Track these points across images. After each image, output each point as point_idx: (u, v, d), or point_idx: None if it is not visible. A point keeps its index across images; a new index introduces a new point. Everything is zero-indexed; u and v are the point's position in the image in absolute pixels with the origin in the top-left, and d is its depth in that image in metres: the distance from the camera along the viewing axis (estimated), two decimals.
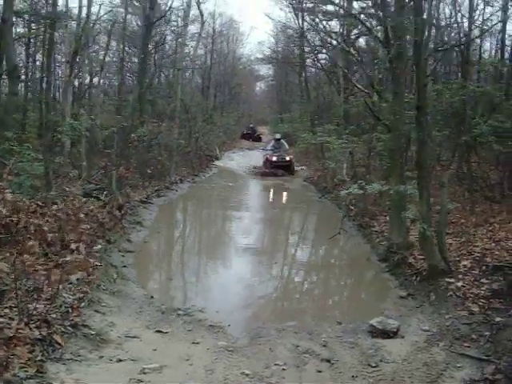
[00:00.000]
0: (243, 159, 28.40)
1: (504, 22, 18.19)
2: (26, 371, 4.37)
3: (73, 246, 5.11)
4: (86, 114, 17.42)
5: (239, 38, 44.12)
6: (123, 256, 8.62)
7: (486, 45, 22.80)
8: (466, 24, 16.79)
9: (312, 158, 24.55)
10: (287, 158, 23.48)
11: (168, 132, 18.40)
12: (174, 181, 17.36)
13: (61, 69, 24.24)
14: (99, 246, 7.16)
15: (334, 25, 24.68)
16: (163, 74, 24.36)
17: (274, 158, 23.33)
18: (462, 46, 15.18)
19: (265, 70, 48.83)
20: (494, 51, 22.84)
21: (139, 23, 24.43)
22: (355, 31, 25.47)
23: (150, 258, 9.60)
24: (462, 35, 16.54)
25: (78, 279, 4.74)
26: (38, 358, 4.63)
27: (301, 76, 32.30)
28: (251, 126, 42.45)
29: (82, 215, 6.24)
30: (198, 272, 8.80)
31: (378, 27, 19.93)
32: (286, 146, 24.64)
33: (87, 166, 12.47)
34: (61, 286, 5.34)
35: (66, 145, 12.91)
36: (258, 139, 39.97)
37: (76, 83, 18.39)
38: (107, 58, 21.81)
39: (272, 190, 19.90)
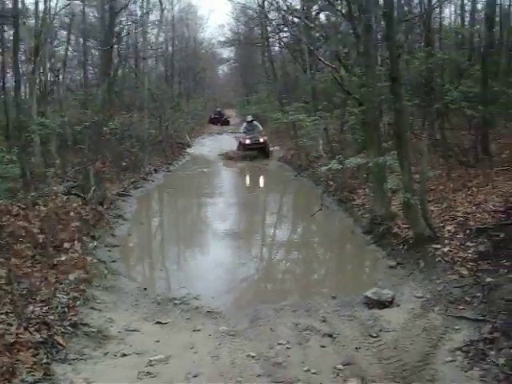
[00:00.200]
0: (214, 144, 28.15)
1: None
2: (34, 375, 4.36)
3: (66, 245, 5.06)
4: (53, 110, 17.20)
5: (199, 22, 43.72)
6: (110, 251, 8.54)
7: (445, 12, 23.11)
8: None
9: (284, 138, 24.40)
10: (261, 140, 22.60)
11: (139, 123, 18.23)
12: (149, 171, 17.23)
13: (21, 67, 23.85)
14: (95, 243, 7.09)
15: (295, 3, 24.71)
16: (127, 64, 24.01)
17: (248, 141, 22.48)
18: (425, 15, 15.28)
19: (227, 52, 48.64)
20: (453, 18, 23.17)
21: (96, 15, 24.23)
22: (315, 7, 25.50)
23: (136, 251, 9.57)
24: (423, 4, 16.65)
25: (75, 278, 4.69)
26: (44, 360, 4.62)
27: (264, 56, 32.23)
28: (218, 109, 42.14)
29: (71, 214, 6.16)
30: (186, 260, 8.83)
31: (339, 1, 20.07)
32: (260, 128, 23.61)
33: (61, 164, 12.29)
34: (59, 287, 5.30)
35: (37, 144, 12.67)
36: (226, 123, 39.77)
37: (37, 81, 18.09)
38: (68, 53, 21.55)
39: (247, 173, 19.79)
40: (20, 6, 16.69)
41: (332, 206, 11.89)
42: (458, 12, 22.30)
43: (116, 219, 10.59)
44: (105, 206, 9.75)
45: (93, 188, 9.99)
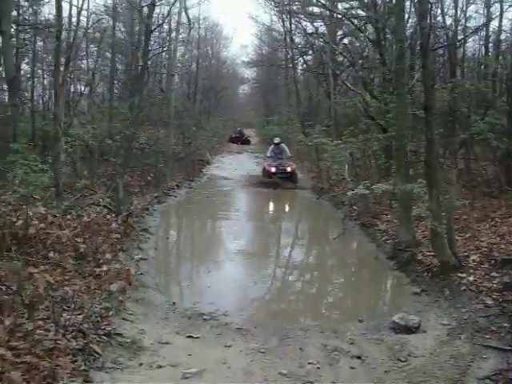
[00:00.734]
0: (234, 163, 28.23)
1: (488, 19, 18.60)
2: (73, 381, 4.48)
3: (108, 255, 5.22)
4: (78, 122, 17.51)
5: (223, 41, 44.38)
6: (137, 264, 8.71)
7: (469, 41, 23.23)
8: (448, 22, 17.23)
9: (304, 160, 24.54)
10: (288, 169, 20.23)
11: (166, 139, 18.54)
12: (171, 187, 17.46)
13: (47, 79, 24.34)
14: (139, 256, 7.25)
15: (318, 27, 25.02)
16: (155, 81, 24.42)
17: (273, 169, 20.26)
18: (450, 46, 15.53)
19: (249, 72, 49.25)
20: (477, 48, 23.29)
21: (122, 30, 24.72)
22: (340, 32, 25.86)
23: (162, 265, 9.71)
24: (448, 34, 16.88)
25: (117, 289, 4.85)
26: (82, 367, 4.74)
27: (287, 78, 32.60)
28: (239, 129, 42.58)
29: (113, 225, 6.34)
30: (212, 277, 8.89)
31: (367, 27, 20.36)
32: (288, 152, 21.38)
33: (89, 176, 12.55)
34: (99, 296, 5.46)
35: (74, 154, 12.94)
36: (247, 142, 40.14)
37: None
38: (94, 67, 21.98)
39: (266, 193, 19.69)
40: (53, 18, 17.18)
41: (354, 231, 12.01)
42: (482, 42, 22.39)
43: (142, 233, 10.76)
44: (133, 220, 9.95)
45: (121, 201, 10.16)
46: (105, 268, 4.93)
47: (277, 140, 21.74)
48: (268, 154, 21.62)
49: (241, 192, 19.66)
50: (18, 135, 16.20)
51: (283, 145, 21.77)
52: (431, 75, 8.20)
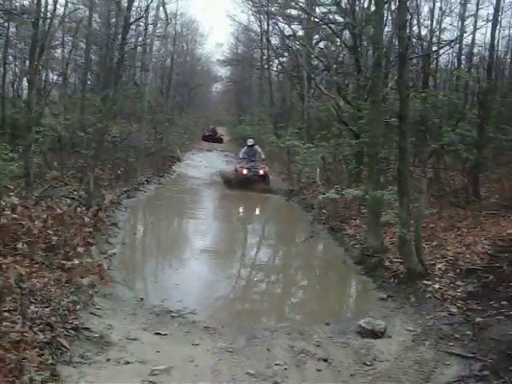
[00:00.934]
0: (204, 161, 28.05)
1: (462, 32, 18.99)
2: (41, 375, 4.43)
3: (79, 249, 5.18)
4: (50, 112, 17.29)
5: (198, 38, 44.22)
6: (106, 258, 8.63)
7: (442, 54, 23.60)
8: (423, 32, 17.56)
9: (274, 161, 24.50)
10: (261, 172, 19.37)
11: (138, 133, 18.42)
12: (141, 182, 17.36)
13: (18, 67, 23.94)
14: (116, 250, 7.19)
15: (296, 30, 25.22)
16: (128, 74, 24.20)
17: (245, 171, 19.35)
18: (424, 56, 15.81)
19: (223, 71, 49.19)
20: (450, 60, 23.69)
21: (98, 21, 24.43)
22: (316, 36, 26.05)
23: (131, 260, 9.67)
24: (423, 45, 17.19)
25: (88, 283, 4.82)
26: (49, 361, 4.69)
27: (261, 78, 32.70)
28: (212, 127, 42.51)
29: (86, 219, 6.28)
30: (179, 274, 8.89)
31: (344, 33, 20.56)
32: (262, 154, 20.43)
33: (59, 167, 12.38)
34: (67, 290, 5.41)
35: (42, 144, 12.73)
36: (220, 140, 40.08)
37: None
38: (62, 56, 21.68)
39: (234, 193, 19.53)
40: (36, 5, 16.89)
41: (322, 234, 12.12)
42: (455, 54, 22.79)
43: (110, 227, 10.67)
44: (104, 214, 9.87)
45: (92, 193, 10.06)
46: (76, 262, 4.88)
47: (250, 142, 20.73)
48: (240, 156, 20.72)
49: (210, 191, 19.28)
50: None
51: (257, 147, 20.84)
52: (407, 85, 8.33)
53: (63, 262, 5.61)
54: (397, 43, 15.22)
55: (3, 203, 5.10)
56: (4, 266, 4.66)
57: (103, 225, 8.16)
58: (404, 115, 7.89)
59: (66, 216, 5.66)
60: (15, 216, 5.00)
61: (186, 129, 31.31)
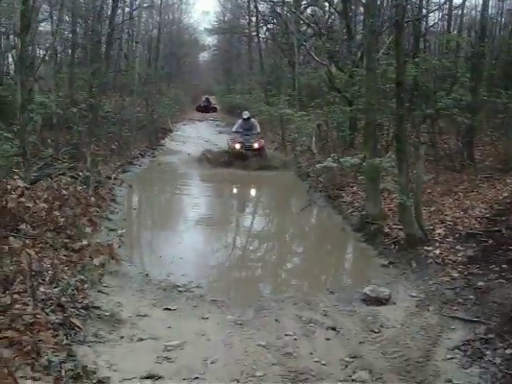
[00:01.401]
0: (196, 132, 27.63)
1: None
2: (58, 356, 4.49)
3: (87, 229, 5.21)
4: (40, 89, 17.07)
5: (184, 7, 43.59)
6: (108, 235, 8.67)
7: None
8: None
9: (265, 130, 24.28)
10: (255, 145, 17.61)
11: (130, 107, 18.29)
12: (135, 155, 17.31)
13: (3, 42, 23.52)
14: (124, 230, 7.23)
15: None
16: (117, 47, 23.90)
17: (238, 146, 17.52)
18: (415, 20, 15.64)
19: (210, 39, 48.67)
20: (439, 23, 23.48)
21: None
22: (304, 1, 25.72)
23: (133, 236, 9.70)
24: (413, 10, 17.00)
25: (100, 263, 4.86)
26: (64, 342, 4.75)
27: (249, 46, 32.38)
28: (206, 97, 42.26)
29: (92, 198, 6.30)
30: (182, 247, 8.93)
31: None
32: (258, 128, 18.56)
33: (54, 145, 12.31)
34: (74, 270, 5.47)
35: (37, 123, 12.64)
36: (215, 110, 39.91)
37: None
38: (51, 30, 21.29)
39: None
40: None
41: (319, 203, 12.20)
42: (443, 15, 22.56)
43: (109, 203, 10.68)
44: (104, 190, 9.88)
45: (90, 170, 10.06)
46: (85, 242, 4.91)
47: (246, 115, 18.76)
48: (234, 129, 18.83)
49: (202, 164, 17.87)
50: None
51: (253, 120, 18.99)
52: (404, 51, 8.32)
53: (72, 243, 5.68)
54: (387, 8, 15.29)
55: (9, 186, 5.08)
56: (15, 249, 4.70)
57: (104, 202, 8.19)
58: (401, 81, 7.93)
59: (71, 196, 5.66)
60: (21, 199, 5.00)
61: (176, 99, 31.05)
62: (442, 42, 17.23)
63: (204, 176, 15.93)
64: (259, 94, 25.84)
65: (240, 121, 18.88)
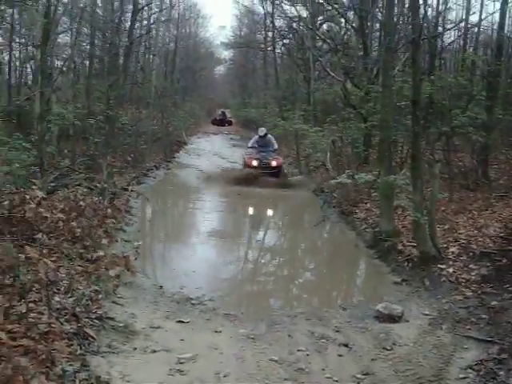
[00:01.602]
0: (210, 146, 27.62)
1: (468, 12, 18.85)
2: (72, 365, 4.53)
3: (103, 241, 5.28)
4: (57, 100, 17.28)
5: (201, 21, 44.01)
6: (124, 247, 8.72)
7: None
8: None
9: (280, 145, 24.29)
10: (273, 163, 16.80)
11: (146, 119, 18.48)
12: (150, 167, 17.44)
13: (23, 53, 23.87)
14: (140, 242, 7.30)
15: (300, 10, 25.01)
16: (134, 60, 24.17)
17: (255, 163, 16.69)
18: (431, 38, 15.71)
19: (226, 53, 49.09)
20: (456, 42, 23.49)
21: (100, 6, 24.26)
22: (320, 17, 25.88)
23: (147, 248, 9.76)
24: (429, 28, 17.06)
25: (116, 275, 4.92)
26: (78, 351, 4.78)
27: (265, 61, 32.57)
28: (222, 110, 42.74)
29: (109, 210, 6.37)
30: (196, 260, 8.99)
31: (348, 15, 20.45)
32: (275, 145, 17.77)
33: (71, 155, 12.45)
34: (89, 280, 5.52)
35: (54, 134, 12.81)
36: (230, 123, 40.31)
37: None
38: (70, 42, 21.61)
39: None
40: None
41: (333, 218, 12.21)
42: (461, 34, 22.55)
43: (124, 214, 10.75)
44: (119, 202, 9.97)
45: (106, 182, 10.15)
46: (101, 253, 4.98)
47: (262, 131, 17.92)
48: (250, 145, 18.04)
49: (216, 180, 17.04)
50: None
51: (270, 136, 18.10)
52: (420, 69, 8.37)
53: (87, 253, 5.74)
54: (403, 25, 15.35)
55: (27, 196, 5.16)
56: (32, 259, 4.77)
57: (119, 213, 8.26)
58: (417, 100, 7.95)
59: (88, 207, 5.74)
60: (40, 210, 5.07)
61: (192, 112, 31.28)
62: (458, 59, 17.27)
63: (217, 192, 15.87)
64: (274, 109, 25.93)
65: (256, 137, 18.04)
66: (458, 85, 12.37)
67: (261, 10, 30.46)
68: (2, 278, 5.17)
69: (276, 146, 17.76)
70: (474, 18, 25.94)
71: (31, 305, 5.22)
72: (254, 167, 16.50)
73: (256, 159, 16.84)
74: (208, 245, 10.20)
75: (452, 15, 22.03)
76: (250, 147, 17.78)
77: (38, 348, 4.45)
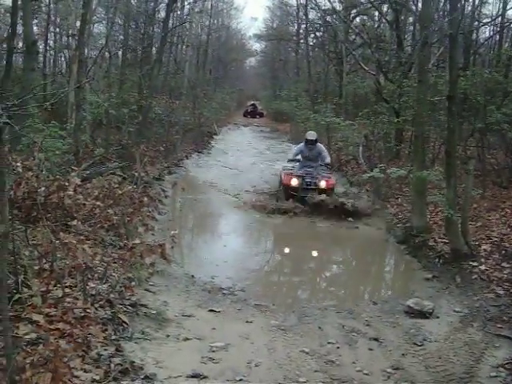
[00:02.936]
0: (241, 138, 27.72)
1: (505, 5, 18.51)
2: (106, 350, 4.63)
3: (140, 229, 5.37)
4: (91, 89, 17.50)
5: (233, 12, 44.05)
6: (153, 235, 8.81)
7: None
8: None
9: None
10: (322, 184, 12.03)
11: (179, 110, 18.62)
12: (181, 158, 17.56)
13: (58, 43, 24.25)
14: (176, 231, 7.40)
15: (333, 2, 24.83)
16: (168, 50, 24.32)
17: (295, 182, 12.06)
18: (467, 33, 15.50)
19: (257, 45, 49.07)
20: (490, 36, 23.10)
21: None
22: (354, 10, 25.68)
23: (179, 236, 9.83)
24: (466, 21, 16.83)
25: (151, 263, 5.00)
26: (112, 337, 4.88)
27: (297, 53, 32.48)
28: (252, 102, 42.93)
29: (145, 199, 6.48)
30: (228, 250, 9.07)
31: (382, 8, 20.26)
32: (327, 157, 12.87)
33: (104, 144, 12.63)
34: (124, 268, 5.62)
35: (88, 122, 12.98)
36: (261, 115, 40.44)
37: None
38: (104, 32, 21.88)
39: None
40: None
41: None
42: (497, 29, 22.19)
43: (157, 203, 10.85)
44: (152, 191, 10.11)
45: (140, 171, 10.27)
46: (137, 241, 5.06)
47: (312, 136, 12.91)
48: (291, 156, 13.32)
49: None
50: (30, 100, 16.12)
51: (320, 145, 13.20)
52: (457, 66, 8.29)
53: (121, 241, 5.85)
54: (439, 19, 15.15)
55: (66, 183, 5.27)
56: (70, 246, 4.88)
57: (151, 201, 8.36)
58: (453, 96, 7.88)
59: (125, 196, 5.84)
60: (78, 197, 5.18)
61: (222, 104, 31.38)
62: (494, 54, 17.01)
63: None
64: (306, 102, 25.84)
65: (301, 145, 13.03)
66: (494, 81, 12.19)
67: (294, 2, 30.52)
68: (40, 263, 5.33)
69: (328, 160, 12.83)
70: (511, 13, 25.43)
71: (67, 290, 5.36)
72: (294, 188, 11.92)
73: (298, 177, 12.07)
74: (239, 236, 10.32)
75: (488, 9, 21.68)
76: (292, 160, 12.96)
77: (74, 332, 4.56)
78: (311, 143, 12.62)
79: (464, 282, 7.40)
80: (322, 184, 11.99)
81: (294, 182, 11.99)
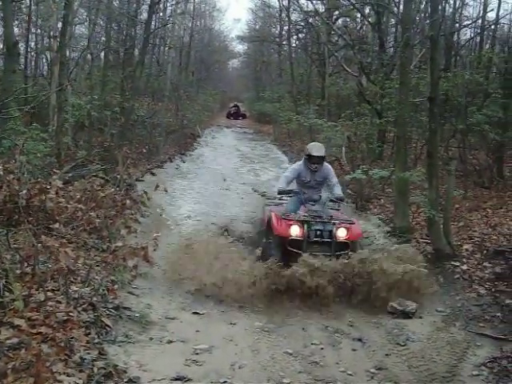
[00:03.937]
0: (224, 140, 27.59)
1: (485, 8, 18.70)
2: (89, 353, 4.60)
3: (123, 231, 5.35)
4: (73, 91, 17.39)
5: (215, 14, 43.99)
6: (136, 237, 8.74)
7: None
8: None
9: (293, 139, 24.31)
10: (340, 235, 7.18)
11: (164, 111, 18.56)
12: (164, 160, 17.45)
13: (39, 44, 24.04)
14: (159, 234, 7.35)
15: (316, 4, 24.92)
16: (151, 52, 24.25)
17: (296, 231, 7.19)
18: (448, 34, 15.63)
19: (240, 47, 49.13)
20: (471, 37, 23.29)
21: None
22: (336, 12, 25.79)
23: (161, 239, 9.76)
24: (446, 23, 16.97)
25: (133, 265, 4.98)
26: (96, 340, 4.86)
27: (280, 55, 32.53)
28: (236, 103, 43.05)
29: (128, 201, 6.44)
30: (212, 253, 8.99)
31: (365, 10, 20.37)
32: (338, 187, 8.01)
33: (87, 146, 12.55)
34: (107, 271, 5.59)
35: (70, 125, 12.89)
36: (244, 116, 40.54)
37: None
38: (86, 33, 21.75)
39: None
40: None
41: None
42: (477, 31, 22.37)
43: (140, 206, 10.77)
44: (134, 193, 10.06)
45: (123, 173, 10.21)
46: (119, 244, 5.04)
47: (319, 150, 7.74)
48: (283, 184, 7.81)
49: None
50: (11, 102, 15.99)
51: (328, 165, 8.18)
52: (438, 68, 8.37)
53: (104, 244, 5.82)
54: (421, 21, 15.29)
55: (48, 186, 5.23)
56: (52, 249, 4.85)
57: (134, 204, 8.31)
58: (434, 97, 7.95)
59: (107, 198, 5.81)
60: (59, 200, 5.15)
61: (205, 105, 31.33)
62: (475, 56, 17.16)
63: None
64: (288, 103, 25.89)
65: (299, 164, 8.06)
66: (475, 82, 12.33)
67: (276, 4, 30.57)
68: (21, 267, 5.28)
69: (340, 191, 8.07)
70: (491, 15, 25.70)
71: (49, 293, 5.31)
72: (295, 242, 7.20)
73: (301, 222, 7.28)
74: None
75: (469, 11, 21.90)
76: (284, 192, 7.91)
77: (57, 336, 4.53)
78: (317, 162, 7.70)
79: (446, 282, 7.49)
80: (341, 234, 7.24)
81: (296, 231, 7.23)
